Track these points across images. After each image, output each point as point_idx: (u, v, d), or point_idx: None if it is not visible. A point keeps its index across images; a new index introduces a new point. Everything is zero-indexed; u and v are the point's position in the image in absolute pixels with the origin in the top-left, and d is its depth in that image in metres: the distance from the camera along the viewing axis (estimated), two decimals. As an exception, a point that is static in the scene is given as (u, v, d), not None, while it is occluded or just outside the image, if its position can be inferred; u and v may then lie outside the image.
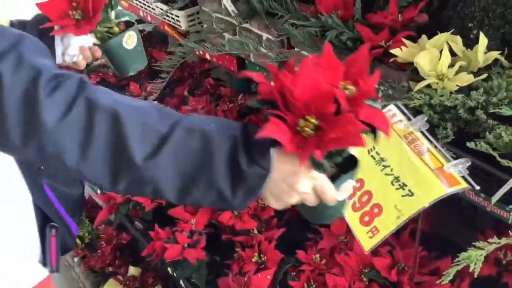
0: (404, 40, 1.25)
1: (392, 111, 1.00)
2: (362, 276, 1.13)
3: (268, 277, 1.13)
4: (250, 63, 1.83)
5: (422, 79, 1.15)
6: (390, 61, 1.25)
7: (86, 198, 1.84)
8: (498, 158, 0.98)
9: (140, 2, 2.00)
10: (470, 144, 1.00)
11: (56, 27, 1.08)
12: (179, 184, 0.69)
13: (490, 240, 0.91)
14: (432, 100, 1.11)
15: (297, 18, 1.41)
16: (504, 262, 1.14)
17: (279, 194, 0.73)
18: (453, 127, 1.13)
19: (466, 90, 1.14)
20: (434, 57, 1.16)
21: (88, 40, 1.13)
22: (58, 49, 1.13)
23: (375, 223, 0.86)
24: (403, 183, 0.87)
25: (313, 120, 0.69)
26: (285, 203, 0.75)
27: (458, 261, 0.93)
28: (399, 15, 1.34)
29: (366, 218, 0.87)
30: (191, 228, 1.29)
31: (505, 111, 1.03)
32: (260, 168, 0.70)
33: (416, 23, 1.36)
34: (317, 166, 0.71)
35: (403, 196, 0.85)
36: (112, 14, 1.12)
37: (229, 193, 0.71)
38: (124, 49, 1.09)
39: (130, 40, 1.10)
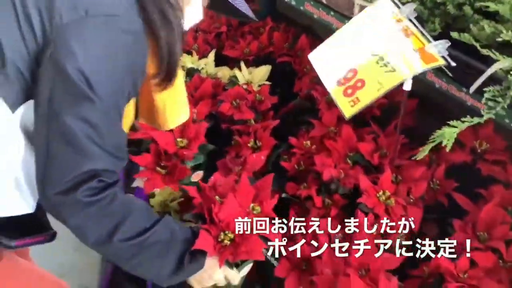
0: None
1: (384, 3, 1.07)
2: (348, 159, 1.24)
3: (262, 157, 1.24)
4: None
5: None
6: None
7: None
8: (479, 48, 1.05)
9: None
10: (454, 34, 1.08)
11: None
12: (136, 259, 0.94)
13: (462, 118, 1.01)
14: (425, -5, 1.18)
15: None
16: (479, 151, 1.25)
17: (200, 280, 1.04)
18: (441, 23, 1.20)
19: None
20: (430, -45, 1.20)
21: None
22: None
23: (357, 94, 0.95)
24: (387, 61, 0.95)
25: (230, 235, 1.00)
26: (204, 286, 1.05)
27: (434, 138, 1.03)
28: None
29: (349, 91, 0.96)
30: (193, 117, 1.39)
31: (491, 5, 1.09)
32: (197, 264, 0.99)
33: None
34: (230, 265, 1.03)
35: (386, 72, 0.94)
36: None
37: (168, 276, 0.98)
38: None
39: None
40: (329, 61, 1.07)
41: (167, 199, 1.36)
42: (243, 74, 1.59)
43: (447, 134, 1.01)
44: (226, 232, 1.01)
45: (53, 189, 0.85)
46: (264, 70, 1.60)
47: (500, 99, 0.98)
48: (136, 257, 0.94)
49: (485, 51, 1.05)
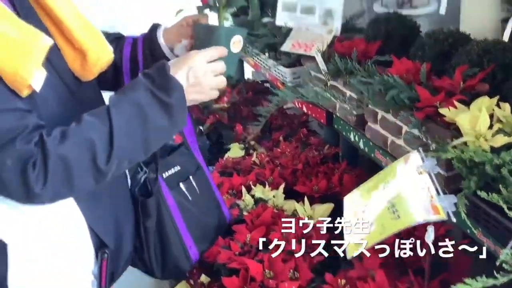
0: (455, 102, 1.37)
1: (413, 156, 1.15)
2: (377, 303, 1.24)
3: (293, 287, 1.29)
4: (337, 117, 2.03)
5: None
6: (439, 119, 1.38)
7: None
8: (506, 210, 1.06)
9: (260, 60, 2.36)
10: (482, 194, 1.10)
11: None
12: (140, 147, 0.94)
13: (478, 277, 0.99)
14: (463, 154, 1.23)
15: (367, 76, 1.61)
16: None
17: (196, 90, 1.00)
18: (480, 182, 1.22)
19: (504, 150, 1.23)
20: (474, 118, 1.27)
21: None
22: None
23: (364, 238, 1.00)
24: (396, 209, 1.00)
25: None
26: (208, 92, 1.01)
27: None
28: (462, 82, 1.47)
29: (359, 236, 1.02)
30: (245, 240, 1.51)
31: (521, 168, 1.10)
32: (175, 90, 0.95)
33: (477, 90, 1.47)
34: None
35: (391, 219, 0.99)
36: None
37: (169, 123, 0.95)
38: (230, 51, 1.09)
39: (237, 43, 1.11)
40: (357, 206, 1.15)
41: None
42: (305, 208, 1.69)
43: (468, 290, 1.00)
44: None
45: (23, 197, 0.90)
46: (325, 208, 1.69)
47: (515, 262, 0.96)
48: (133, 142, 0.93)
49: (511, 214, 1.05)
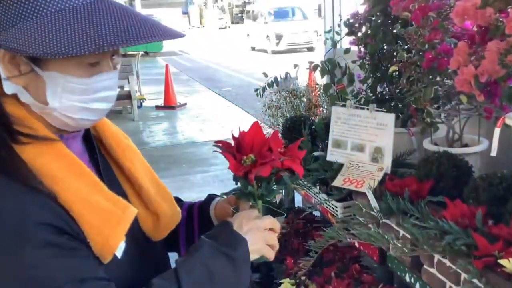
0: (515, 254, 1.34)
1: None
2: None
3: None
4: (390, 255, 1.99)
5: (526, 292, 1.22)
6: (499, 270, 1.34)
7: None
8: None
9: (312, 193, 2.40)
10: None
11: None
12: None
13: None
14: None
15: (421, 219, 1.60)
16: None
17: (257, 239, 1.05)
18: None
19: None
20: (537, 272, 1.23)
21: None
22: None
23: None
24: None
25: (251, 156, 1.11)
26: (266, 241, 1.06)
27: None
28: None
29: None
30: None
31: None
32: (240, 244, 1.01)
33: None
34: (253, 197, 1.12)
35: None
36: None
37: (235, 276, 0.98)
38: None
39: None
40: None
41: None
42: None
43: None
44: (250, 155, 1.11)
45: None
46: None
47: None
48: None
49: None
